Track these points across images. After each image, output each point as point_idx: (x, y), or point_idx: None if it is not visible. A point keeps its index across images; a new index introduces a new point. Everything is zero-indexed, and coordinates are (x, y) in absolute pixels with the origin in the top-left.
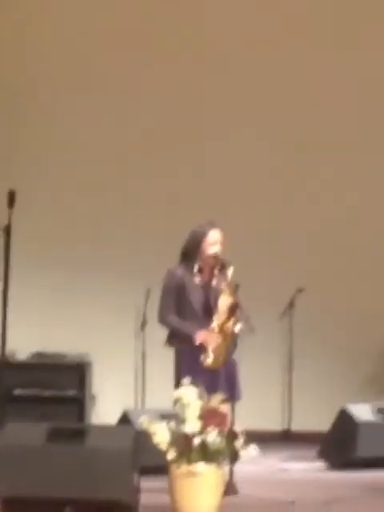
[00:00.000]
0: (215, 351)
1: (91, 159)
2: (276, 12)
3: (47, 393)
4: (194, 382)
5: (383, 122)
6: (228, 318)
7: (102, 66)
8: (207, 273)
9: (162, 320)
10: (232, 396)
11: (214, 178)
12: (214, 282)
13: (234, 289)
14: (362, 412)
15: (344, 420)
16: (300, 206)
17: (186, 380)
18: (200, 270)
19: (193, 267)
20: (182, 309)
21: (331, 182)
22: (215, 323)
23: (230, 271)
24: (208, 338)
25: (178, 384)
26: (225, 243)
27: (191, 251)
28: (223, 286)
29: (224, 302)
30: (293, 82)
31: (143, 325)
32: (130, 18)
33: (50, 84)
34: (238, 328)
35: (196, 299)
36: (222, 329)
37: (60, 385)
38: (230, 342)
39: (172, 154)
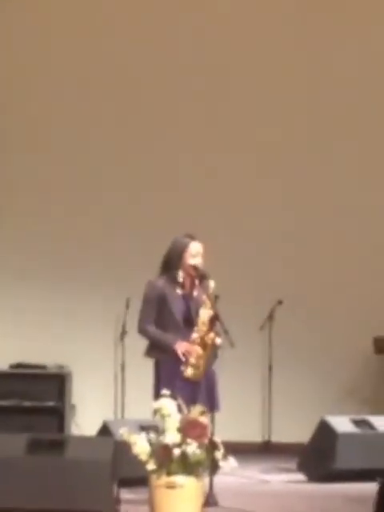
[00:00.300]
0: (195, 362)
1: (71, 171)
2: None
3: (27, 403)
4: (174, 393)
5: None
6: (208, 330)
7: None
8: (188, 284)
9: (142, 330)
10: (212, 407)
11: (193, 191)
12: (195, 293)
13: (214, 301)
14: (342, 423)
15: (323, 431)
16: (279, 219)
17: (166, 391)
18: (181, 281)
19: (174, 278)
20: (163, 319)
21: (309, 194)
22: (196, 334)
23: (210, 283)
24: (188, 349)
25: (157, 395)
26: (205, 256)
27: (172, 262)
28: (204, 298)
29: (204, 313)
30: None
31: (123, 335)
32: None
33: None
34: (218, 341)
35: (177, 310)
36: (202, 340)
37: (40, 395)
38: (211, 353)
39: (150, 167)
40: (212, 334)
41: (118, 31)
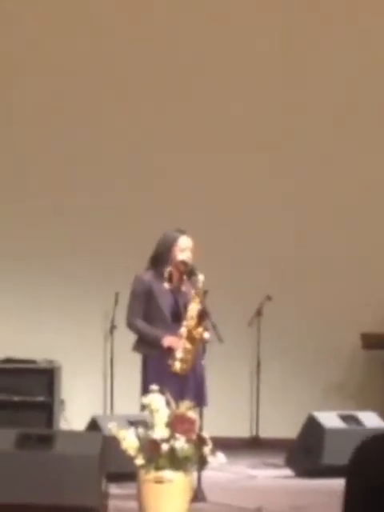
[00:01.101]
0: (183, 356)
1: (61, 165)
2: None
3: (16, 398)
4: (162, 388)
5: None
6: (197, 325)
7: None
8: (176, 278)
9: (130, 325)
10: (200, 402)
11: (182, 187)
12: (183, 288)
13: (203, 296)
14: (329, 419)
15: (311, 427)
16: (268, 214)
17: (154, 386)
18: (169, 276)
19: (162, 272)
20: (151, 314)
21: (299, 189)
22: (184, 329)
23: (200, 278)
24: (176, 342)
25: (144, 390)
26: (194, 250)
27: (161, 256)
28: (193, 292)
29: (193, 308)
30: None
31: (112, 329)
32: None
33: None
34: (206, 335)
35: (165, 304)
36: (190, 334)
37: (29, 390)
38: (199, 347)
39: (139, 164)
40: (200, 329)
41: (112, 28)
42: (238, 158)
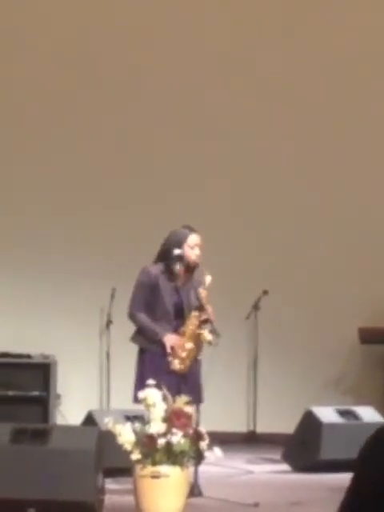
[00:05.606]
0: (184, 356)
1: (60, 164)
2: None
3: (12, 393)
4: (159, 383)
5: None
6: (200, 324)
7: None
8: (182, 276)
9: (132, 316)
10: (196, 399)
11: (178, 181)
12: (188, 286)
13: (206, 295)
14: (327, 414)
15: (308, 422)
16: (266, 210)
17: (151, 381)
18: (176, 272)
19: (170, 267)
20: (154, 308)
21: (297, 184)
22: (186, 327)
23: (207, 279)
24: (177, 342)
25: (140, 383)
26: (203, 247)
27: (171, 252)
28: (200, 291)
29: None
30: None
31: (108, 324)
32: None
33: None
34: (209, 337)
35: (169, 301)
36: (192, 333)
37: (24, 385)
38: (199, 345)
39: (138, 160)
40: (204, 331)
41: (117, 27)
42: (236, 156)
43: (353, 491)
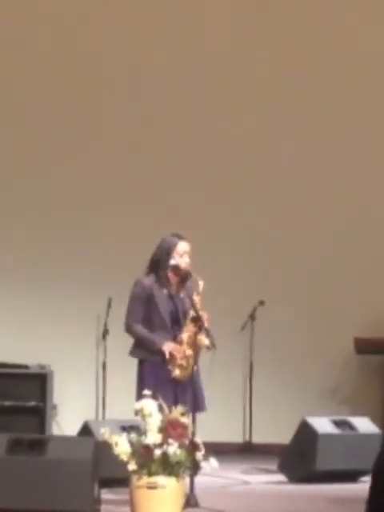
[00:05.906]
0: (184, 363)
1: (56, 171)
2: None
3: (8, 403)
4: (159, 394)
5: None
6: (197, 331)
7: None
8: (175, 284)
9: (129, 329)
10: (198, 407)
11: (174, 189)
12: (182, 294)
13: (201, 302)
14: (322, 424)
15: (304, 432)
16: (260, 220)
17: (149, 391)
18: (168, 281)
19: (161, 276)
20: (151, 319)
21: (293, 195)
22: (184, 334)
23: (200, 284)
24: (176, 349)
25: (140, 395)
26: (192, 255)
27: (160, 261)
28: (194, 297)
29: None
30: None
31: (105, 334)
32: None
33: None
34: (206, 342)
35: (164, 310)
36: (191, 340)
37: (21, 395)
38: (198, 353)
39: (133, 168)
40: (202, 337)
41: (117, 27)
42: (234, 163)
43: (369, 502)
